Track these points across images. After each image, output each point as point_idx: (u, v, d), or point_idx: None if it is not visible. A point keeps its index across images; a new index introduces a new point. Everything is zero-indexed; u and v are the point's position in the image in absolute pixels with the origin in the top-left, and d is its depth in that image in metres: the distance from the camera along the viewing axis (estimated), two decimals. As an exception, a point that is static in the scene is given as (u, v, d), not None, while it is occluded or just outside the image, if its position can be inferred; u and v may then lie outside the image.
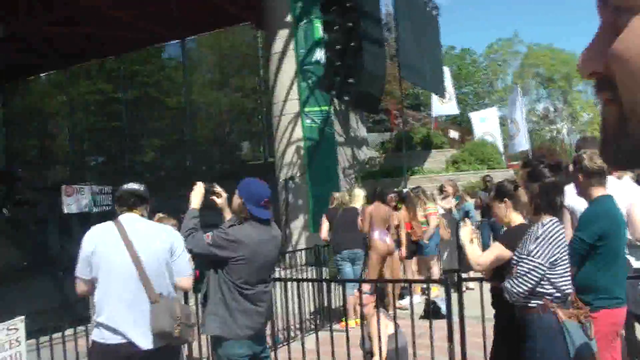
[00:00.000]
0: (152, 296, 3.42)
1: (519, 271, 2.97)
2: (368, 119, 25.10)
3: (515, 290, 2.96)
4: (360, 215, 8.34)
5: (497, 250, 3.58)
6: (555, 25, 61.89)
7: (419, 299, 8.72)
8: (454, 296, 4.48)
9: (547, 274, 2.95)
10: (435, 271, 9.61)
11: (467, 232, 3.82)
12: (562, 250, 3.00)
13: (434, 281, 6.18)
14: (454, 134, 21.25)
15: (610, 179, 3.80)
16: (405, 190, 10.93)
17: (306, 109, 14.65)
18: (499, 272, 3.71)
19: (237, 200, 3.81)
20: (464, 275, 6.68)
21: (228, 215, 4.06)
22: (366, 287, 5.37)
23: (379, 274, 8.09)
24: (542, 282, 2.95)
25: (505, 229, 3.86)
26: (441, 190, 10.71)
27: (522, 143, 18.43)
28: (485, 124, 20.22)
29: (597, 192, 3.49)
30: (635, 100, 0.58)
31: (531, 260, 2.94)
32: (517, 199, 3.72)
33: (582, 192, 3.50)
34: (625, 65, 0.58)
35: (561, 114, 37.76)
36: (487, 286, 4.12)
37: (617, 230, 3.36)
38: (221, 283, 3.68)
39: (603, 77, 0.61)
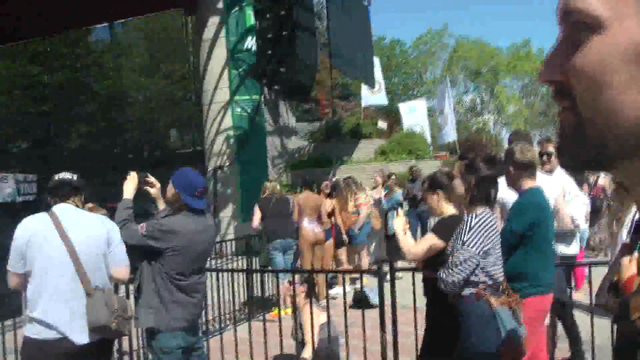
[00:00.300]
0: (89, 289, 3.32)
1: (454, 261, 3.08)
2: (297, 108, 25.13)
3: (450, 280, 3.07)
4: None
5: (431, 240, 3.68)
6: (483, 19, 64.03)
7: (347, 289, 8.85)
8: (386, 286, 4.58)
9: (481, 263, 3.08)
10: (366, 261, 9.79)
11: (401, 222, 3.92)
12: (495, 240, 3.14)
13: (368, 271, 6.29)
14: (382, 124, 21.60)
15: (539, 173, 4.00)
16: (334, 179, 11.06)
17: (236, 98, 14.51)
18: (431, 262, 3.83)
19: (171, 190, 3.75)
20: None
21: (162, 205, 3.98)
22: (297, 276, 5.41)
23: (309, 262, 8.18)
24: (476, 271, 3.08)
25: (437, 219, 3.97)
26: (389, 177, 10.93)
27: (450, 134, 18.98)
28: (414, 114, 20.68)
29: (527, 184, 3.65)
30: (591, 111, 0.64)
31: (465, 250, 3.05)
32: (450, 190, 3.84)
33: (513, 183, 3.67)
34: (584, 80, 0.63)
35: (488, 106, 39.19)
36: (418, 275, 4.25)
37: (545, 220, 3.54)
38: (155, 274, 3.61)
39: (561, 86, 0.66)
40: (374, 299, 7.78)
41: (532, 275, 3.44)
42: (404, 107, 21.70)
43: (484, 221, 3.12)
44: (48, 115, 26.09)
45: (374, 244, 10.71)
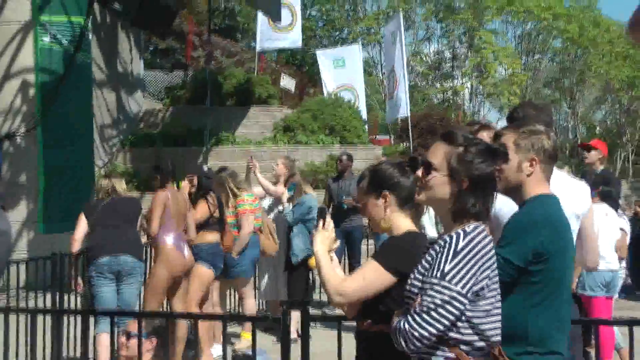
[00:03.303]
0: None
1: (424, 303, 3.10)
2: (149, 45, 24.76)
3: (417, 334, 3.07)
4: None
5: (372, 271, 3.68)
6: None
7: (219, 350, 8.84)
8: (293, 348, 4.59)
9: (468, 310, 3.12)
10: (251, 304, 9.77)
11: (324, 238, 3.91)
12: (492, 275, 3.19)
13: (259, 319, 6.29)
14: (288, 82, 21.73)
15: (557, 172, 4.12)
16: (206, 168, 10.99)
17: (43, 18, 14.07)
18: (371, 308, 3.85)
19: None
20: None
21: None
22: (134, 325, 5.34)
23: (160, 303, 8.11)
24: (458, 323, 3.11)
25: (383, 240, 4.00)
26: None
27: (401, 106, 19.27)
28: (342, 70, 20.91)
29: (535, 188, 3.78)
30: None
31: (446, 288, 3.07)
32: (405, 192, 3.88)
33: (511, 188, 3.75)
34: None
35: (463, 64, 40.19)
36: (348, 330, 4.27)
37: (561, 247, 3.63)
38: None
39: None
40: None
41: (535, 336, 3.52)
42: (325, 57, 21.93)
43: (478, 243, 3.16)
44: None
45: (266, 277, 10.71)
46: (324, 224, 4.00)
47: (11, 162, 14.35)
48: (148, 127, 19.37)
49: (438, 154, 3.31)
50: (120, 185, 8.36)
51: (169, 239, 8.17)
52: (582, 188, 4.78)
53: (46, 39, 14.03)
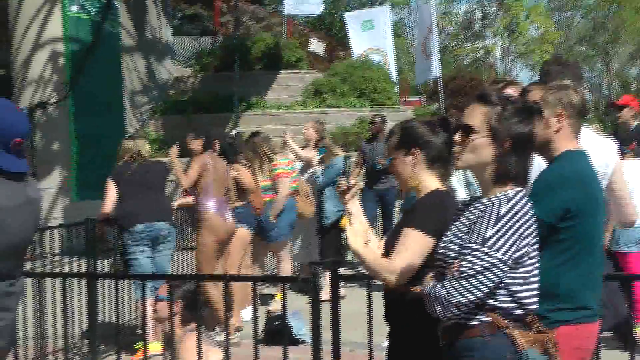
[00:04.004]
0: None
1: (465, 270, 3.06)
2: (177, 12, 24.75)
3: (456, 300, 3.02)
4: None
5: (415, 241, 3.59)
6: None
7: (257, 312, 8.89)
8: (323, 308, 4.62)
9: (507, 278, 3.08)
10: (287, 267, 9.88)
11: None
12: (532, 242, 3.14)
13: (291, 280, 6.32)
14: (317, 45, 21.65)
15: (583, 129, 4.06)
16: (235, 132, 11.00)
17: (71, -13, 14.13)
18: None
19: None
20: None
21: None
22: (163, 289, 5.38)
23: (214, 269, 8.19)
24: (497, 290, 3.08)
25: (415, 200, 3.96)
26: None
27: (433, 67, 19.14)
28: (370, 33, 20.80)
29: (564, 144, 3.73)
30: None
31: (487, 254, 3.03)
32: (434, 150, 3.84)
33: (539, 144, 3.69)
34: None
35: (493, 23, 39.77)
36: (377, 291, 4.26)
37: (591, 204, 3.57)
38: None
39: None
40: (300, 330, 7.88)
41: (565, 293, 3.49)
42: (353, 20, 21.81)
43: (520, 210, 3.12)
44: None
45: (299, 241, 10.75)
46: (347, 189, 4.00)
47: (43, 132, 14.52)
48: (178, 94, 19.40)
49: (476, 115, 3.24)
50: (145, 148, 8.35)
51: (210, 205, 8.25)
52: (608, 145, 4.72)
53: (74, 8, 14.10)
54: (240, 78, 17.90)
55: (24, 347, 6.60)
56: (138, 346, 7.28)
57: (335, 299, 4.68)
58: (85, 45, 14.13)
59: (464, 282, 3.02)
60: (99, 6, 14.32)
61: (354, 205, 4.05)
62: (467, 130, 3.24)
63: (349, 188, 4.02)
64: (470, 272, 3.01)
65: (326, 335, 4.76)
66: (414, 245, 3.56)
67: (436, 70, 19.01)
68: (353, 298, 8.00)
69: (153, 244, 7.94)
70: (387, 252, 3.78)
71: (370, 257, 3.69)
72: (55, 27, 14.36)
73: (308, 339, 6.71)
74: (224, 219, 8.38)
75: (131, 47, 17.33)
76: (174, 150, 8.74)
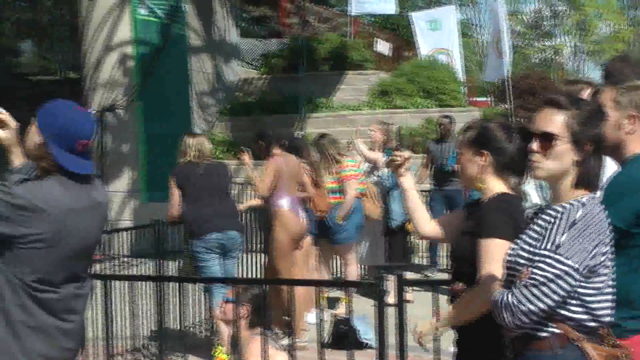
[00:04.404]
0: None
1: (535, 277, 2.97)
2: (244, 14, 24.89)
3: (525, 308, 2.93)
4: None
5: (500, 250, 3.49)
6: None
7: (323, 316, 8.88)
8: (389, 313, 4.57)
9: (580, 286, 2.99)
10: (353, 270, 9.85)
11: (411, 185, 3.93)
12: (607, 250, 3.04)
13: (357, 285, 6.30)
14: (383, 46, 21.58)
15: None
16: (299, 134, 11.00)
17: (140, -10, 14.31)
18: (464, 270, 3.80)
19: (34, 136, 3.65)
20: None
21: (18, 161, 3.86)
22: (231, 292, 5.40)
23: (288, 270, 8.21)
24: (569, 300, 2.99)
25: (484, 201, 3.90)
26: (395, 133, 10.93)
27: (501, 66, 18.88)
28: (437, 33, 20.66)
29: (636, 146, 3.61)
30: None
31: (559, 261, 2.93)
32: (505, 158, 3.79)
33: (610, 147, 3.60)
34: None
35: (564, 21, 39.17)
36: (443, 296, 4.22)
37: None
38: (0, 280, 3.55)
39: None
40: (367, 334, 7.84)
41: (638, 299, 3.44)
42: (420, 20, 21.69)
43: (594, 216, 3.02)
44: None
45: (366, 243, 10.72)
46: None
47: (113, 134, 14.71)
48: (245, 96, 19.51)
49: (552, 121, 3.10)
50: (206, 146, 8.32)
51: (284, 203, 8.28)
52: None
53: (142, 12, 14.26)
54: (306, 79, 17.94)
55: (94, 347, 6.68)
56: (218, 350, 7.31)
57: (400, 303, 4.64)
58: (153, 48, 14.31)
59: (534, 290, 2.91)
60: (167, 9, 14.47)
61: (407, 179, 4.12)
62: (546, 138, 3.10)
63: (403, 161, 4.10)
64: (542, 279, 2.90)
65: (392, 339, 4.73)
66: (499, 255, 3.45)
67: (506, 69, 18.83)
68: (421, 302, 7.94)
69: (223, 251, 7.93)
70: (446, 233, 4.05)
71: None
72: (124, 31, 14.55)
73: (374, 343, 6.68)
74: (298, 217, 8.40)
75: (199, 49, 17.46)
76: (247, 156, 8.69)
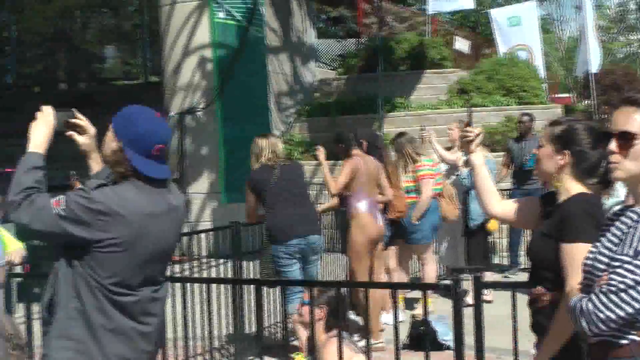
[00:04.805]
0: None
1: (614, 283, 2.90)
2: (321, 15, 24.96)
3: (603, 316, 2.85)
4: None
5: (583, 254, 3.46)
6: None
7: (401, 317, 8.84)
8: (466, 314, 4.55)
9: None
10: (431, 271, 9.81)
11: (481, 163, 3.94)
12: None
13: (435, 287, 6.25)
14: (462, 44, 21.38)
15: None
16: (378, 134, 10.98)
17: (218, -6, 14.46)
18: (540, 273, 3.74)
19: (111, 142, 3.70)
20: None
21: (96, 166, 3.96)
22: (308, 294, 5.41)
23: (365, 273, 8.18)
24: None
25: (562, 202, 3.83)
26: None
27: (590, 60, 18.50)
28: (517, 29, 20.38)
29: None
30: None
31: (639, 267, 2.86)
32: (585, 164, 3.71)
33: None
34: None
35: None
36: (522, 297, 4.17)
37: None
38: (79, 284, 3.58)
39: None
40: (446, 335, 7.77)
41: None
42: (499, 16, 21.43)
43: None
44: None
45: (445, 243, 10.63)
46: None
47: (193, 136, 14.90)
48: (322, 97, 19.55)
49: (632, 120, 2.99)
50: (279, 147, 8.27)
51: (361, 206, 8.24)
52: None
53: (221, 15, 14.43)
54: (384, 79, 17.88)
55: (174, 348, 6.76)
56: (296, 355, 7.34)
57: (478, 305, 4.60)
58: (231, 51, 14.46)
59: (613, 297, 2.82)
60: (245, 12, 14.59)
61: (478, 156, 4.10)
62: (626, 137, 3.00)
63: (474, 137, 4.09)
64: (621, 286, 2.80)
65: (471, 340, 4.69)
66: (578, 261, 3.37)
67: (595, 62, 18.52)
68: (501, 302, 7.85)
69: (304, 256, 7.92)
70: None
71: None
72: (203, 34, 14.73)
73: (453, 344, 6.62)
74: (375, 219, 8.38)
75: (277, 50, 17.59)
76: (322, 152, 8.65)
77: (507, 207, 4.18)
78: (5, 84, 27.82)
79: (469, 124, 4.38)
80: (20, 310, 5.99)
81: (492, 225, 10.15)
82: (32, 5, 29.03)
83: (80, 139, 3.98)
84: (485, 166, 4.19)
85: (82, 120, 3.98)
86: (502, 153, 13.12)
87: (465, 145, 4.15)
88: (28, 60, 30.34)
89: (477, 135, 4.11)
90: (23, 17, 29.00)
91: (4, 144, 17.94)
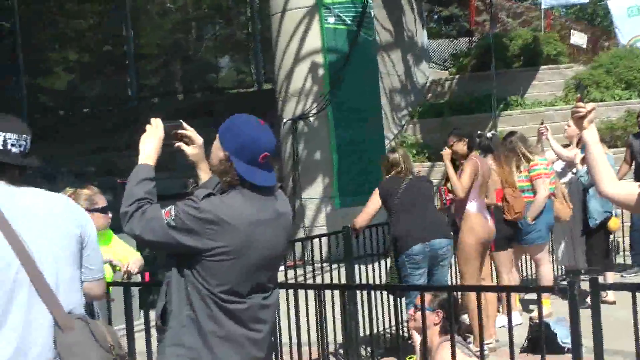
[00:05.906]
0: (62, 318, 3.31)
1: None
2: (432, 15, 24.82)
3: None
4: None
5: None
6: None
7: (519, 319, 8.72)
8: (584, 315, 4.44)
9: None
10: (547, 271, 9.63)
11: (595, 139, 3.93)
12: None
13: (551, 289, 6.12)
14: (579, 38, 20.91)
15: None
16: (490, 134, 10.87)
17: (328, 0, 14.49)
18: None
19: (218, 152, 3.76)
20: (600, 279, 6.49)
21: (205, 176, 4.03)
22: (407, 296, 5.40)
23: (475, 275, 8.11)
24: None
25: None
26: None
27: None
28: (637, 19, 19.79)
29: None
30: None
31: None
32: None
33: None
34: None
35: None
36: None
37: None
38: (190, 292, 3.66)
39: None
40: (566, 338, 7.60)
41: None
42: (618, 7, 20.86)
43: None
44: (11, 35, 28.15)
45: (562, 244, 10.43)
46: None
47: (306, 142, 14.97)
48: (435, 97, 19.43)
49: None
50: (410, 161, 8.33)
51: (472, 207, 8.17)
52: None
53: (331, 20, 14.48)
54: (497, 77, 17.65)
55: (289, 353, 6.81)
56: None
57: (596, 307, 4.48)
58: (342, 55, 14.48)
59: None
60: (355, 16, 14.60)
61: (591, 132, 3.99)
62: None
63: (586, 113, 3.96)
64: None
65: (589, 343, 4.58)
66: None
67: None
68: (625, 304, 7.64)
69: (430, 261, 7.89)
70: None
71: None
72: (314, 40, 14.77)
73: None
74: (486, 220, 8.29)
75: (388, 52, 17.55)
76: (448, 153, 8.54)
77: (623, 189, 4.05)
78: (127, 97, 28.68)
79: (580, 100, 4.29)
80: (120, 321, 6.03)
81: (614, 223, 9.91)
82: (149, 20, 29.92)
83: (188, 150, 4.05)
84: (603, 145, 4.11)
85: (189, 131, 4.06)
86: (622, 149, 12.78)
87: (578, 122, 4.03)
88: (147, 74, 31.19)
89: (590, 111, 4.00)
90: (141, 32, 29.95)
91: (127, 155, 18.46)
